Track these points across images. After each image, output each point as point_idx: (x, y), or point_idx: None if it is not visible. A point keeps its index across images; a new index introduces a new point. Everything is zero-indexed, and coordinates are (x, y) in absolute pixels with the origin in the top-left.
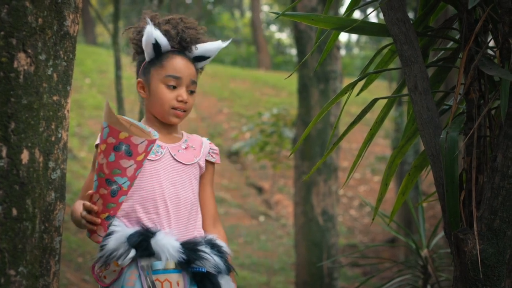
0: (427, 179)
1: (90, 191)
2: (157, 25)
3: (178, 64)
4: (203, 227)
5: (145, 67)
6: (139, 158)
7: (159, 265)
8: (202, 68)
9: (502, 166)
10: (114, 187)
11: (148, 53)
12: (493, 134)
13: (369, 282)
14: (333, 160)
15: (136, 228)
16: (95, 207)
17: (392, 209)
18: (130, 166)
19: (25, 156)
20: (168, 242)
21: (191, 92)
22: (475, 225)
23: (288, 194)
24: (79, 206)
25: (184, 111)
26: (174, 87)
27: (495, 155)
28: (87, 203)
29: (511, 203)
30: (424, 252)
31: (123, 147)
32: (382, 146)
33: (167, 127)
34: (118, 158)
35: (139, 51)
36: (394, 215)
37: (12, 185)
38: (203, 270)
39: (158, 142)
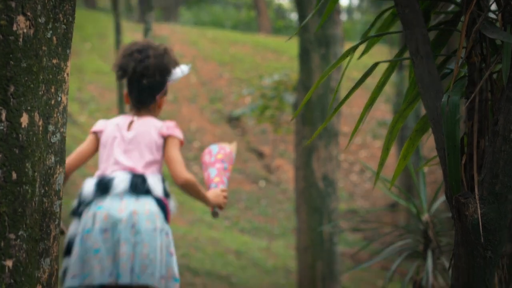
0: (428, 145)
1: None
2: None
3: None
4: None
5: None
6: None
7: None
8: None
9: (504, 130)
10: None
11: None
12: (494, 98)
13: (370, 247)
14: (333, 125)
15: None
16: None
17: (393, 173)
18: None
19: (24, 119)
20: None
21: None
22: (476, 189)
23: (288, 159)
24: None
25: None
26: None
27: (497, 119)
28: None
29: None
30: (425, 217)
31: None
32: (383, 111)
33: None
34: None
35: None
36: (395, 180)
37: (12, 148)
38: None
39: None
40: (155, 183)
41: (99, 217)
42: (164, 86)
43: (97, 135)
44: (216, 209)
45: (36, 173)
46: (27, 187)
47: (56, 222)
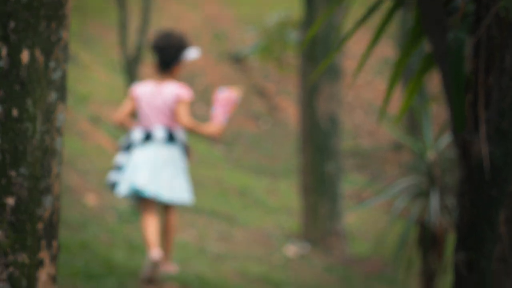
0: (433, 84)
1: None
2: None
3: None
4: None
5: None
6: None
7: None
8: None
9: (511, 67)
10: None
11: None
12: (501, 35)
13: (374, 187)
14: (337, 63)
15: None
16: None
17: (399, 111)
18: None
19: (25, 55)
20: None
21: None
22: (482, 127)
23: (292, 99)
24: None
25: None
26: None
27: (503, 56)
28: None
29: None
30: (429, 155)
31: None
32: (388, 51)
33: None
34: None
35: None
36: (402, 117)
37: (12, 85)
38: None
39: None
40: (180, 135)
41: (146, 154)
42: (181, 58)
43: (135, 97)
44: (214, 139)
45: (37, 110)
46: (28, 124)
47: (57, 160)
